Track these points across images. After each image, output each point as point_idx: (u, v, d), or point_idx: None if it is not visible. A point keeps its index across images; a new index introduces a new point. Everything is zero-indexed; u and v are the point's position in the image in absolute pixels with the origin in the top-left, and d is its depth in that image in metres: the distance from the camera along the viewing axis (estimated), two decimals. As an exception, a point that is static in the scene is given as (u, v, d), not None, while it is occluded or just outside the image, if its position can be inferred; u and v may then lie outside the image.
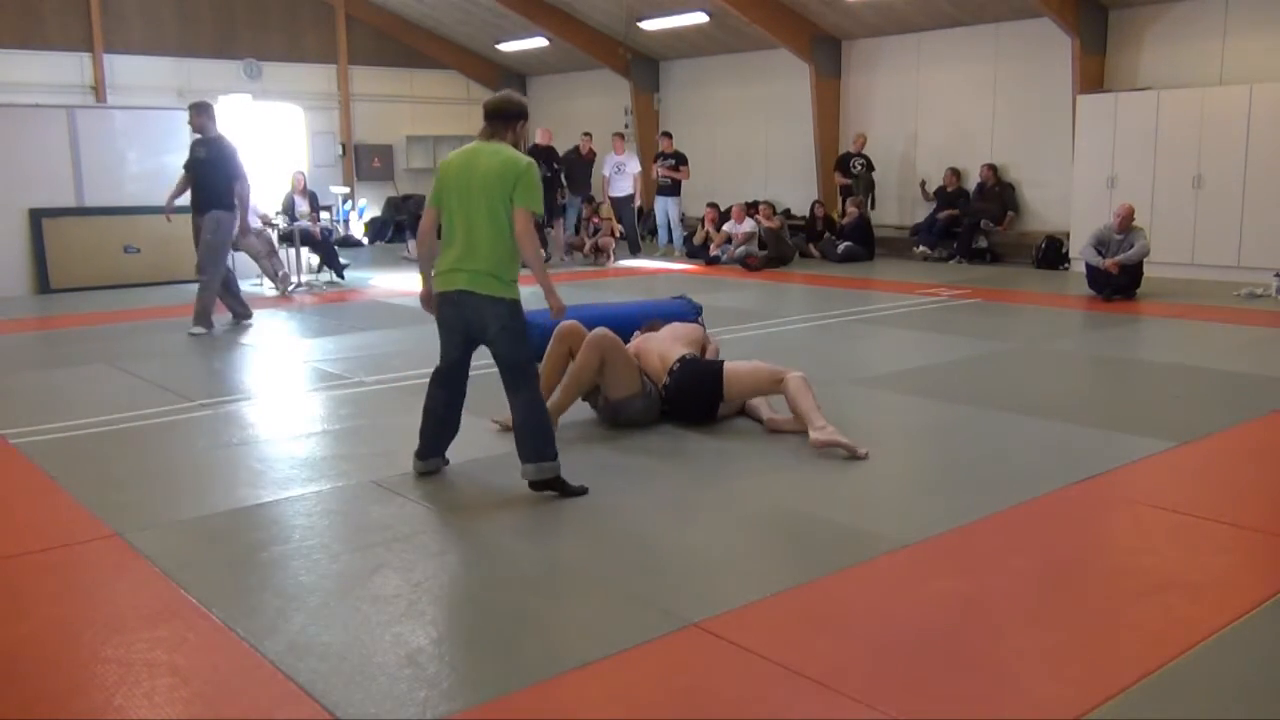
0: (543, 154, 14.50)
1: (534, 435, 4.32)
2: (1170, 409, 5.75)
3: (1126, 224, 9.73)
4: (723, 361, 5.41)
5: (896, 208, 14.69)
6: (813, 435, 4.80)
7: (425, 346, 7.80)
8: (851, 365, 6.86)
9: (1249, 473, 4.63)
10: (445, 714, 2.58)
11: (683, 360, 5.38)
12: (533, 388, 4.39)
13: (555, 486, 4.32)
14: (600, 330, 5.15)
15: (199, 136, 8.62)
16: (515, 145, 4.52)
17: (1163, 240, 10.86)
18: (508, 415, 4.49)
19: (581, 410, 5.56)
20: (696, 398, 5.33)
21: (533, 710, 2.61)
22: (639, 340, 5.67)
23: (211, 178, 8.53)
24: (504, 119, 4.53)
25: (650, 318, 6.08)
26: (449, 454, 4.73)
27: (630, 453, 4.92)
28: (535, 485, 4.33)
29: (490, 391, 6.17)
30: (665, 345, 5.54)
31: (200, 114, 8.57)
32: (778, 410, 5.36)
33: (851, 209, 13.85)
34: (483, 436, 5.29)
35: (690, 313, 7.08)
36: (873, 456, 4.93)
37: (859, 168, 14.18)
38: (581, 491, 4.35)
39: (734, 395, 5.33)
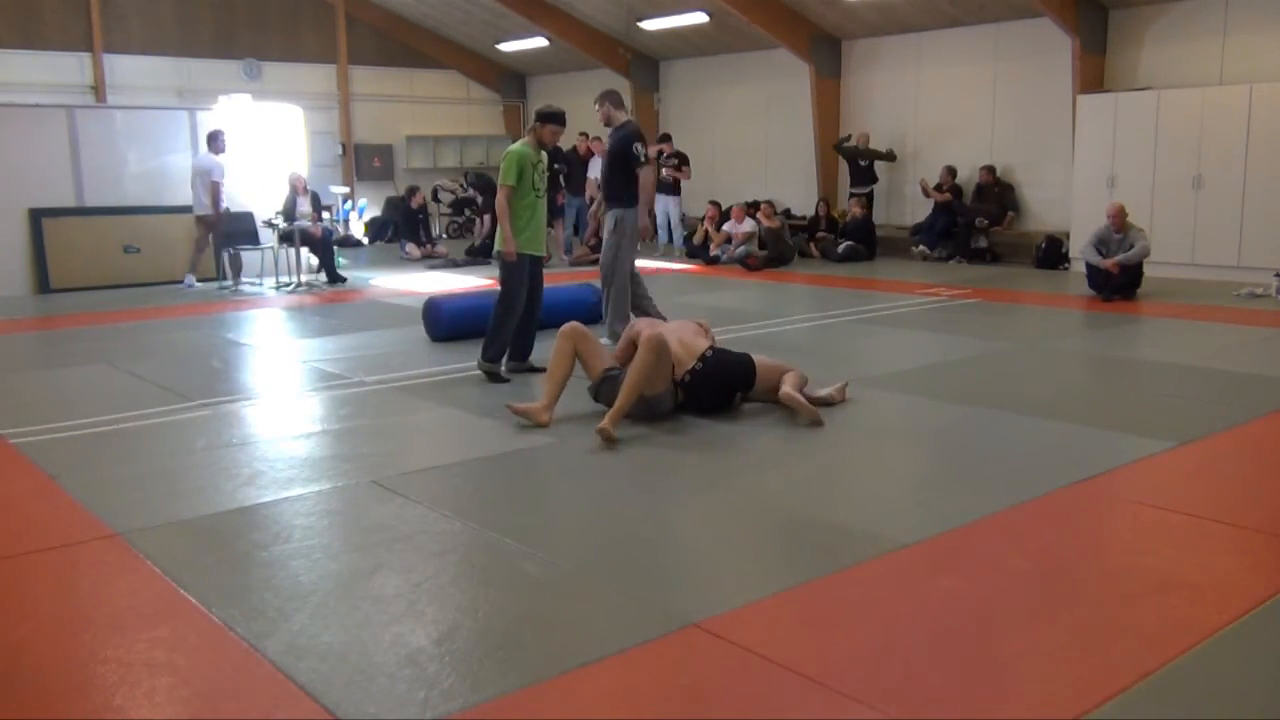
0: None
1: (487, 339, 6.50)
2: (1170, 409, 5.74)
3: (1120, 222, 9.74)
4: (750, 355, 5.68)
5: (896, 207, 14.70)
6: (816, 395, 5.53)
7: (425, 346, 7.82)
8: (851, 365, 6.85)
9: (1249, 473, 4.63)
10: (445, 714, 2.58)
11: (714, 350, 5.61)
12: (498, 308, 6.48)
13: (486, 374, 6.48)
14: (655, 333, 5.35)
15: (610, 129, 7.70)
16: (538, 144, 6.51)
17: (1163, 240, 10.86)
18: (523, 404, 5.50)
19: (585, 408, 5.56)
20: (723, 387, 5.58)
21: (533, 710, 2.61)
22: (647, 322, 5.83)
23: (608, 170, 7.73)
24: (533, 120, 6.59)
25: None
26: (455, 455, 4.73)
27: (630, 453, 4.92)
28: (480, 368, 6.50)
29: (499, 392, 6.23)
30: (685, 334, 5.72)
31: (602, 103, 7.64)
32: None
33: (855, 209, 13.85)
34: (483, 437, 5.29)
35: (589, 298, 7.82)
36: (873, 457, 4.95)
37: (864, 164, 14.22)
38: (503, 380, 6.45)
39: (758, 389, 5.62)
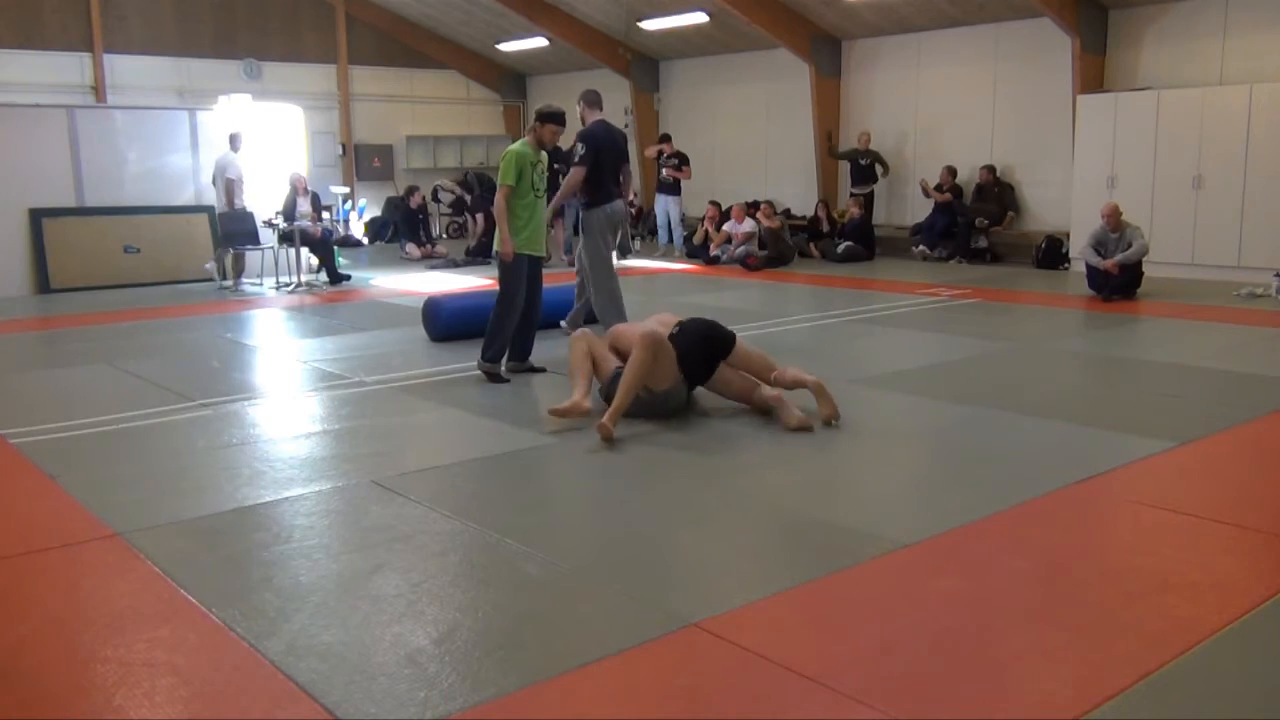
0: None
1: (486, 339, 6.50)
2: (1170, 409, 5.74)
3: (1115, 222, 9.74)
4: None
5: (896, 207, 14.70)
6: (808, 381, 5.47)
7: (425, 346, 7.82)
8: (851, 365, 6.86)
9: (1249, 473, 4.63)
10: (445, 714, 2.58)
11: (691, 318, 5.72)
12: (497, 308, 6.47)
13: (486, 374, 6.49)
14: (651, 331, 5.40)
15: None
16: (538, 144, 6.46)
17: (1163, 240, 10.87)
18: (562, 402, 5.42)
19: (591, 407, 5.56)
20: (704, 353, 5.60)
21: (533, 710, 2.61)
22: (627, 325, 5.96)
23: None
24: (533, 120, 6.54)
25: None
26: (455, 455, 4.73)
27: (630, 453, 4.92)
28: (480, 368, 6.52)
29: (499, 392, 6.23)
30: (664, 318, 5.86)
31: (579, 102, 7.92)
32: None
33: (854, 209, 13.87)
34: (483, 437, 5.29)
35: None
36: (873, 457, 4.95)
37: (864, 163, 14.23)
38: (503, 380, 6.45)
39: (738, 362, 5.61)
